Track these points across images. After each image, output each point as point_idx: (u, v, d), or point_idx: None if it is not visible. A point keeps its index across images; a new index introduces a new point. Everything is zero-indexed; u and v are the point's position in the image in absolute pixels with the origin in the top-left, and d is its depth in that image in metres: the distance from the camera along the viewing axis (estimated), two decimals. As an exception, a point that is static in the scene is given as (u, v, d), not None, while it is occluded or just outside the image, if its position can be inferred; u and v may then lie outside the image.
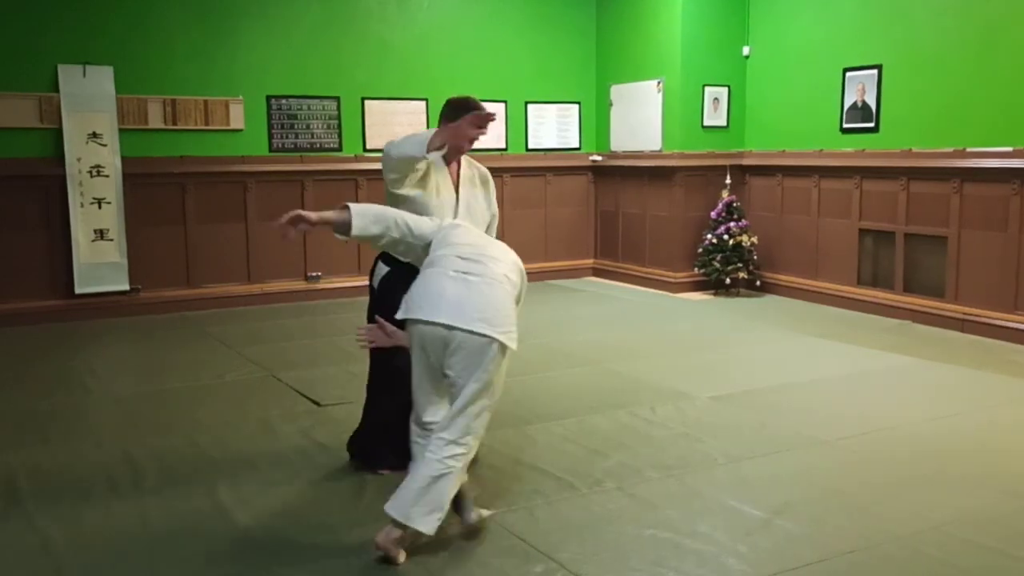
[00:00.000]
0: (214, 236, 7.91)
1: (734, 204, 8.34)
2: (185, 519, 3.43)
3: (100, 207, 7.36)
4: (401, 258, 3.48)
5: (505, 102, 8.88)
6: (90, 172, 7.30)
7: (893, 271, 7.30)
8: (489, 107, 3.74)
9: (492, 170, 4.03)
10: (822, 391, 5.14)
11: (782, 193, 8.34)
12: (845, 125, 7.61)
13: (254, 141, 8.01)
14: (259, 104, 7.99)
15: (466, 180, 3.79)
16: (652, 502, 3.53)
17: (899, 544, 3.17)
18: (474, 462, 3.35)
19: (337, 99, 8.29)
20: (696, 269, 8.52)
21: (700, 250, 8.44)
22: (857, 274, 7.62)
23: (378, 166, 9.14)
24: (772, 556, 3.08)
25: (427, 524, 2.97)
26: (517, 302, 3.20)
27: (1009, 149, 6.35)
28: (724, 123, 8.65)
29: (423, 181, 3.61)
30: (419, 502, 2.96)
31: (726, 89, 8.59)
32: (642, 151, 8.94)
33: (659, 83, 8.65)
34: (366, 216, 3.18)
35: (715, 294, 8.44)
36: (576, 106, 9.49)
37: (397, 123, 8.51)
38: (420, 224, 3.29)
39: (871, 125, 7.38)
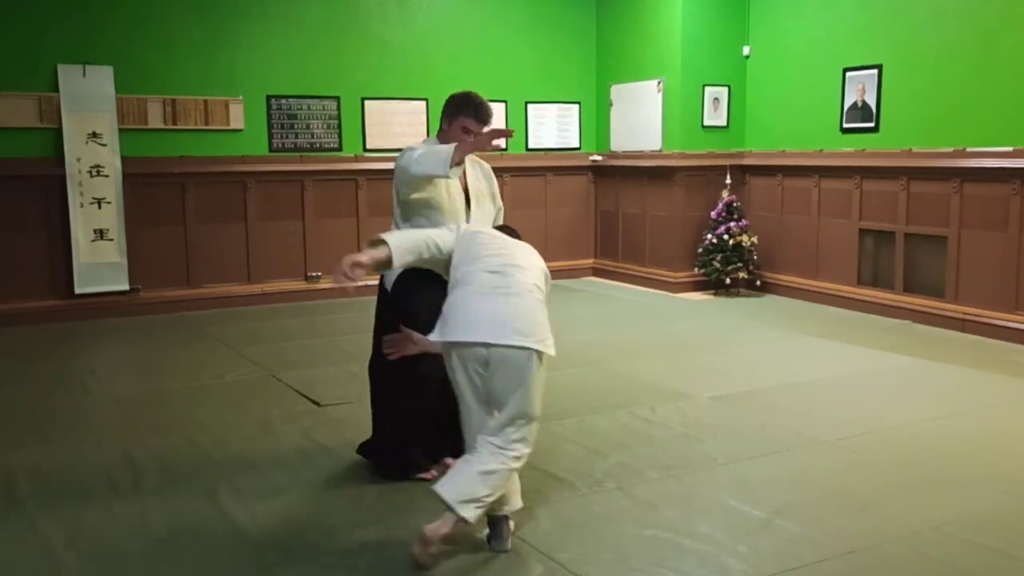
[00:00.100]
0: (214, 236, 7.91)
1: (734, 204, 8.34)
2: (185, 519, 3.43)
3: (100, 207, 7.36)
4: (421, 266, 3.47)
5: (505, 102, 8.88)
6: (90, 172, 7.30)
7: (893, 271, 7.30)
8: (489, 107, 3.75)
9: (492, 170, 4.04)
10: (822, 391, 5.14)
11: (782, 193, 8.34)
12: (845, 125, 7.61)
13: (254, 141, 8.01)
14: (259, 104, 7.99)
15: (472, 178, 3.83)
16: (652, 502, 3.53)
17: (899, 544, 3.17)
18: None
19: (337, 99, 8.29)
20: (696, 269, 8.52)
21: (700, 250, 8.44)
22: (857, 274, 7.62)
23: (378, 166, 9.17)
24: (772, 556, 3.08)
25: (469, 511, 2.95)
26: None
27: (1009, 149, 6.34)
28: (724, 123, 8.65)
29: (433, 183, 3.62)
30: (467, 490, 2.95)
31: (726, 89, 8.59)
32: (642, 151, 8.94)
33: (659, 83, 8.65)
34: (403, 248, 3.22)
35: (715, 294, 8.44)
36: (576, 106, 9.49)
37: (397, 123, 8.52)
38: (444, 239, 3.29)
39: (871, 125, 7.38)
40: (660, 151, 8.71)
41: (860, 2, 7.42)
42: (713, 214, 8.35)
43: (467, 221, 3.69)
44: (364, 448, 3.96)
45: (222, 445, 4.27)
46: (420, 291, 3.55)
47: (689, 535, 3.24)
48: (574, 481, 3.75)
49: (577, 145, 9.54)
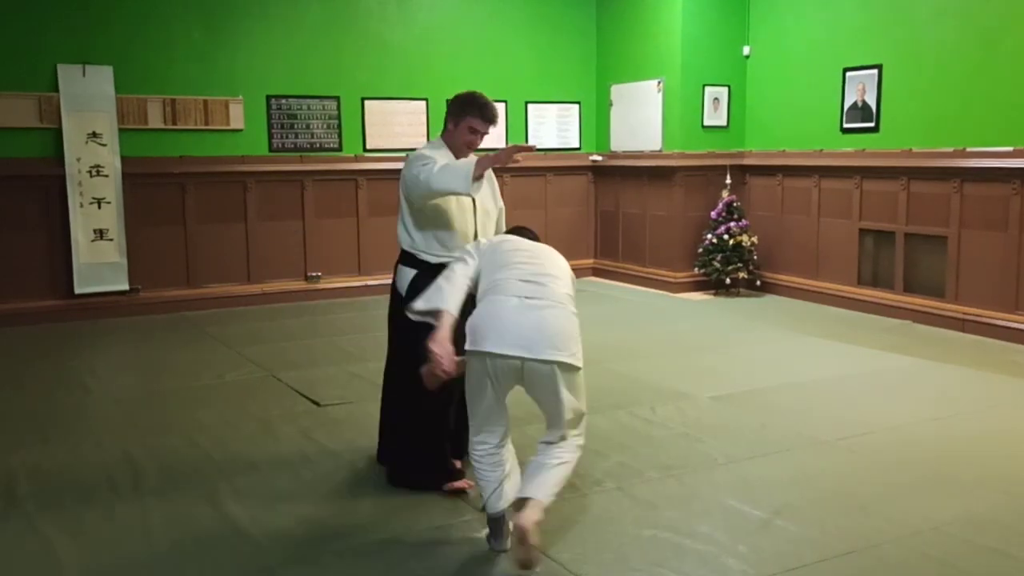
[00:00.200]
0: (214, 236, 7.91)
1: (734, 204, 8.34)
2: (185, 520, 3.42)
3: (100, 207, 7.36)
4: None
5: (505, 102, 8.88)
6: (90, 172, 7.30)
7: (893, 271, 7.30)
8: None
9: (493, 170, 4.02)
10: (822, 391, 5.14)
11: (782, 193, 8.34)
12: (845, 125, 7.61)
13: (254, 141, 8.01)
14: (259, 104, 7.99)
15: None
16: (652, 502, 3.53)
17: (899, 544, 3.17)
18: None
19: (337, 99, 8.29)
20: (696, 269, 8.52)
21: (700, 250, 8.44)
22: (857, 274, 7.61)
23: (378, 166, 9.16)
24: (772, 556, 3.08)
25: (545, 497, 3.00)
26: None
27: (1009, 149, 6.34)
28: (724, 123, 8.65)
29: None
30: (553, 482, 3.02)
31: (726, 89, 8.59)
32: (642, 151, 8.94)
33: (659, 83, 8.65)
34: (456, 302, 3.13)
35: (715, 294, 8.44)
36: (576, 106, 9.49)
37: (397, 123, 8.52)
38: (471, 268, 3.22)
39: (871, 125, 7.38)
40: (660, 151, 8.71)
41: (860, 2, 7.42)
42: (713, 214, 8.35)
43: (474, 221, 3.69)
44: (392, 460, 3.81)
45: (222, 445, 4.27)
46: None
47: (689, 535, 3.24)
48: (574, 481, 3.74)
49: (577, 145, 9.54)
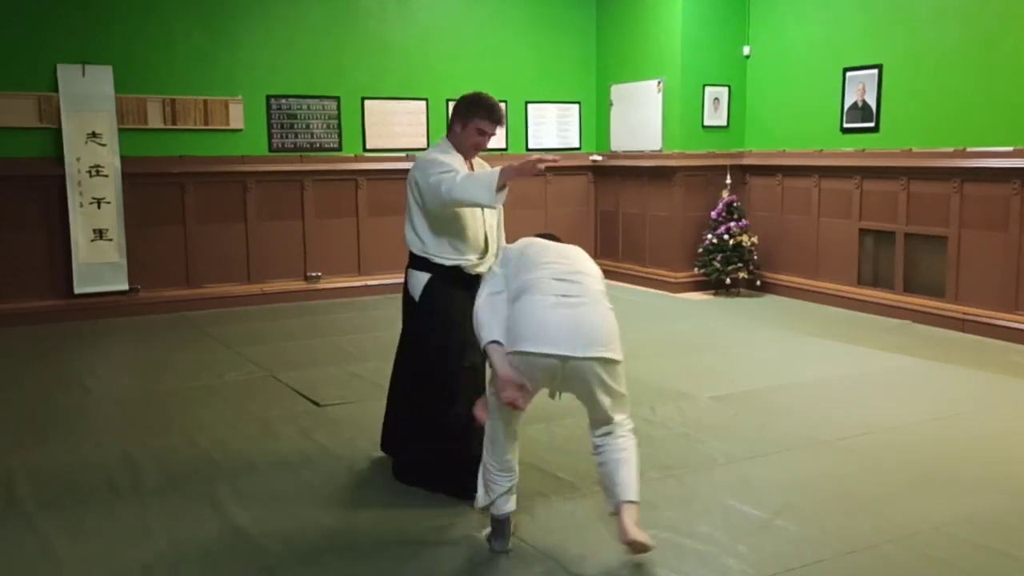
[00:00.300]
0: (214, 236, 7.91)
1: (734, 204, 8.34)
2: (185, 520, 3.42)
3: (99, 207, 7.35)
4: None
5: (505, 102, 8.87)
6: (89, 172, 7.30)
7: (893, 271, 7.30)
8: None
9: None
10: (822, 391, 5.14)
11: (782, 193, 8.34)
12: (845, 125, 7.61)
13: (254, 141, 8.01)
14: (259, 104, 7.99)
15: None
16: (652, 502, 3.53)
17: (899, 544, 3.17)
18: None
19: (337, 99, 8.29)
20: (696, 269, 8.52)
21: (700, 250, 8.44)
22: (857, 274, 7.61)
23: (378, 166, 9.14)
24: (772, 556, 3.08)
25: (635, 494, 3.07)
26: None
27: (1009, 149, 6.34)
28: (724, 123, 8.65)
29: None
30: (636, 478, 3.11)
31: (726, 89, 8.59)
32: (642, 151, 8.94)
33: (659, 83, 8.64)
34: (502, 327, 3.05)
35: (715, 294, 8.44)
36: (576, 106, 9.49)
37: (397, 123, 8.52)
38: (498, 281, 3.18)
39: (871, 125, 7.38)
40: (660, 151, 8.70)
41: (860, 2, 7.42)
42: (713, 214, 8.35)
43: (483, 222, 3.69)
44: (399, 453, 3.78)
45: (222, 445, 4.27)
46: (447, 292, 3.57)
47: (689, 535, 3.24)
48: (574, 481, 3.75)
49: (577, 145, 9.54)
